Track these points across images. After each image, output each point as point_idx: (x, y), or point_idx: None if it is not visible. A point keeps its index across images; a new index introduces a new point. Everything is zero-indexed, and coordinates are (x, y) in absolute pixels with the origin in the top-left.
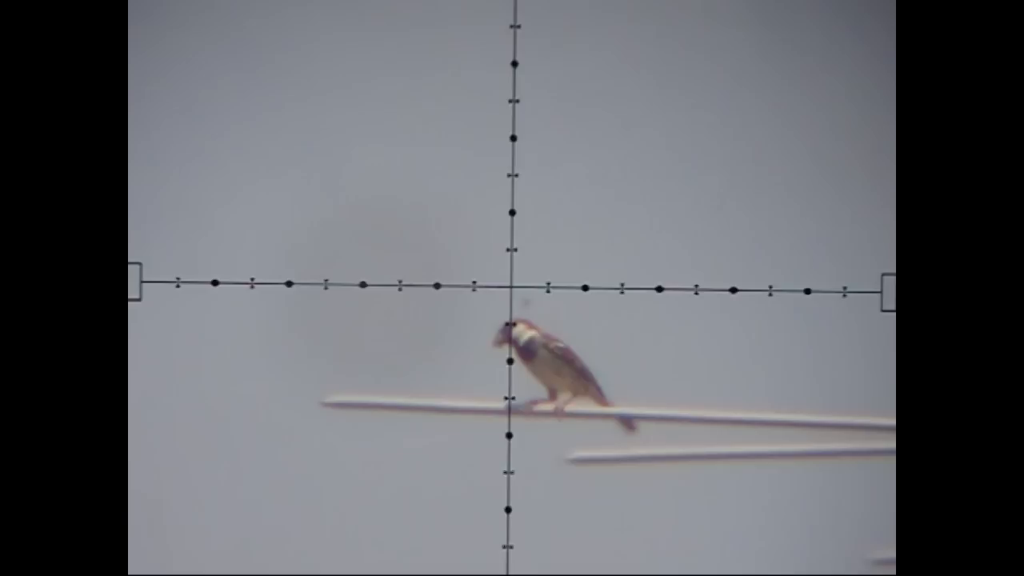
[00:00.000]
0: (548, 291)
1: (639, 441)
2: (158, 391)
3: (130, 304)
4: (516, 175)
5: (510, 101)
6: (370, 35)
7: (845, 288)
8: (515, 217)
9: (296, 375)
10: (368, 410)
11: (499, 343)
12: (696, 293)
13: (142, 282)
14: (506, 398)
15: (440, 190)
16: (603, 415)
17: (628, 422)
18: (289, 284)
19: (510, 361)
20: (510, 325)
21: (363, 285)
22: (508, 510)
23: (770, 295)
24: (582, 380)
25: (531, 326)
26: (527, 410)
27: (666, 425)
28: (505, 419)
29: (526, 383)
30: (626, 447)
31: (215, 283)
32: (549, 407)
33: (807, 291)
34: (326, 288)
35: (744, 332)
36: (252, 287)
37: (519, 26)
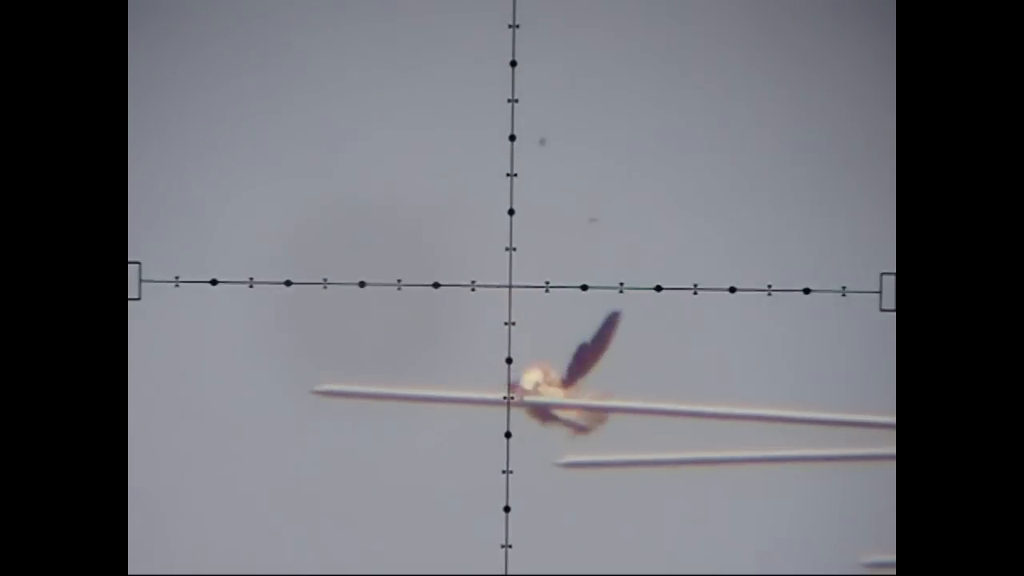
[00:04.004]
0: (547, 291)
1: (633, 446)
2: (158, 390)
3: (129, 303)
4: (515, 175)
5: (509, 100)
6: (368, 34)
7: (844, 288)
8: (514, 217)
9: (295, 374)
10: (359, 401)
11: (517, 391)
12: (695, 293)
13: (141, 281)
14: (505, 398)
15: (439, 190)
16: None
17: (577, 424)
18: (288, 283)
19: (509, 360)
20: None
21: (362, 284)
22: (507, 509)
23: (769, 295)
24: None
25: (547, 377)
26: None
27: (663, 428)
28: (504, 417)
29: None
30: (618, 452)
31: (214, 282)
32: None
33: (806, 291)
34: (325, 287)
35: (743, 331)
36: (251, 286)
37: (518, 25)
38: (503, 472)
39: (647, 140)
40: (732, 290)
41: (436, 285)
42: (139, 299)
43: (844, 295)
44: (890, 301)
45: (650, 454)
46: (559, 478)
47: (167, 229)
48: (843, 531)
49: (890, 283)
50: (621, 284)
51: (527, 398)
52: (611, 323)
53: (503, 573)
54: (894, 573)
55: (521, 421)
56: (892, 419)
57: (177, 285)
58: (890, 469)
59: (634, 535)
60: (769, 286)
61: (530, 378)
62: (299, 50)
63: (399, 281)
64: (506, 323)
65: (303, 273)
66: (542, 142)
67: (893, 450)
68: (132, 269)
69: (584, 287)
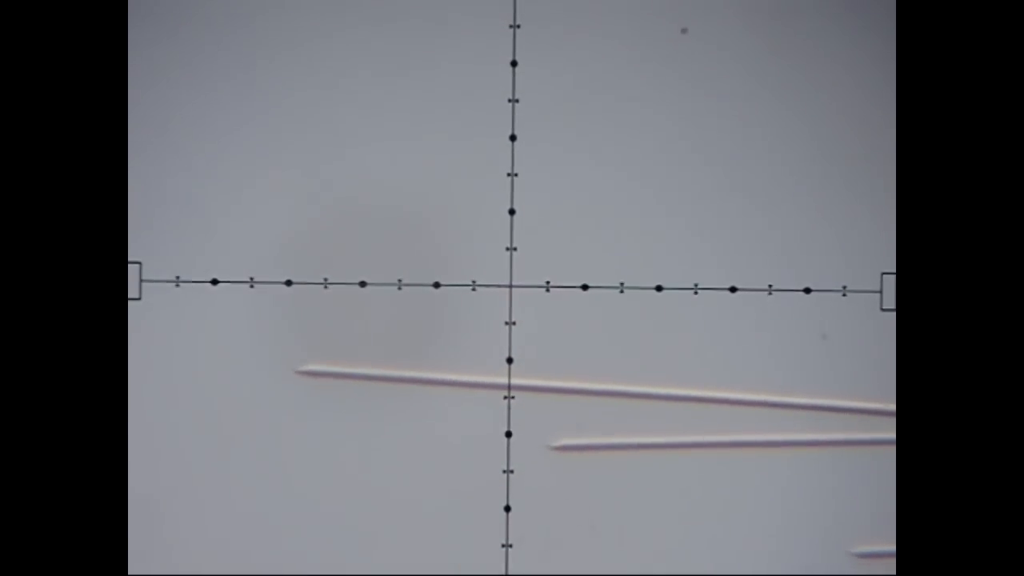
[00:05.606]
0: (548, 290)
1: (630, 430)
2: (158, 390)
3: (129, 303)
4: (515, 174)
5: (509, 100)
6: (369, 34)
7: (845, 287)
8: (514, 216)
9: (295, 374)
10: (359, 401)
11: None
12: (696, 292)
13: (141, 281)
14: (505, 397)
15: (439, 189)
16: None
17: None
18: (289, 283)
19: (510, 360)
20: None
21: (363, 284)
22: (507, 509)
23: (770, 294)
24: None
25: None
26: None
27: (661, 421)
28: (504, 417)
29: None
30: (615, 435)
31: (215, 282)
32: None
33: (807, 290)
34: (326, 287)
35: (744, 331)
36: (252, 286)
37: (518, 26)
38: (503, 472)
39: (647, 140)
40: (733, 290)
41: (436, 285)
42: (139, 299)
43: (845, 295)
44: (890, 301)
45: (645, 438)
46: (560, 477)
47: (167, 229)
48: (834, 521)
49: (890, 283)
50: (621, 284)
51: None
52: None
53: (503, 573)
54: (885, 565)
55: (522, 420)
56: (887, 411)
57: (177, 285)
58: (882, 459)
59: (636, 534)
60: (770, 286)
61: None
62: (299, 50)
63: (399, 281)
64: (506, 323)
65: (304, 273)
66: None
67: (881, 440)
68: (132, 269)
69: (584, 287)
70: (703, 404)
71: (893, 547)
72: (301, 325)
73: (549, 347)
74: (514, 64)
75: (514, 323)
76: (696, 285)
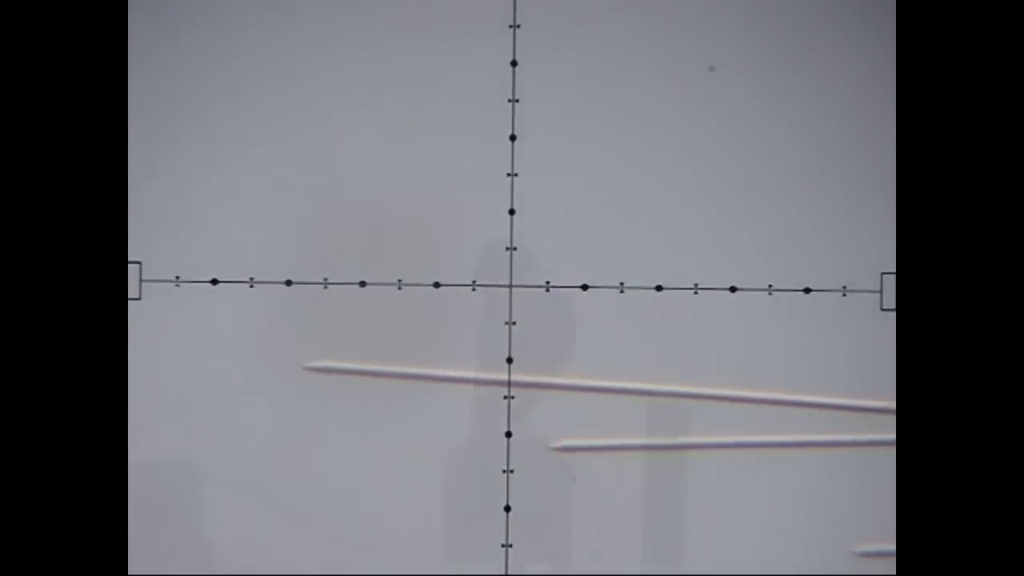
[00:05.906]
0: (548, 290)
1: (629, 431)
2: (158, 390)
3: (129, 303)
4: (515, 174)
5: (509, 101)
6: (369, 35)
7: (845, 287)
8: (514, 216)
9: (296, 375)
10: (359, 402)
11: None
12: (695, 292)
13: (142, 281)
14: (505, 397)
15: (439, 189)
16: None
17: None
18: (289, 283)
19: (510, 360)
20: None
21: (363, 284)
22: (507, 509)
23: (770, 294)
24: None
25: None
26: None
27: (661, 420)
28: (504, 417)
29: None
30: (614, 437)
31: (214, 282)
32: None
33: (807, 290)
34: (326, 287)
35: (744, 331)
36: (252, 286)
37: (518, 26)
38: (503, 472)
39: (647, 140)
40: (732, 290)
41: (436, 285)
42: (139, 299)
43: (844, 295)
44: (890, 301)
45: (645, 439)
46: (560, 477)
47: (167, 229)
48: (834, 522)
49: (890, 283)
50: (621, 284)
51: None
52: None
53: (503, 573)
54: (885, 565)
55: (522, 420)
56: (887, 411)
57: (177, 285)
58: (883, 459)
59: (636, 534)
60: (770, 286)
61: None
62: (299, 50)
63: (400, 281)
64: (506, 323)
65: (304, 273)
66: None
67: (884, 438)
68: (132, 269)
69: (584, 287)
70: (703, 404)
71: (893, 547)
72: (301, 325)
73: (549, 348)
74: (514, 64)
75: (514, 323)
76: (696, 285)
